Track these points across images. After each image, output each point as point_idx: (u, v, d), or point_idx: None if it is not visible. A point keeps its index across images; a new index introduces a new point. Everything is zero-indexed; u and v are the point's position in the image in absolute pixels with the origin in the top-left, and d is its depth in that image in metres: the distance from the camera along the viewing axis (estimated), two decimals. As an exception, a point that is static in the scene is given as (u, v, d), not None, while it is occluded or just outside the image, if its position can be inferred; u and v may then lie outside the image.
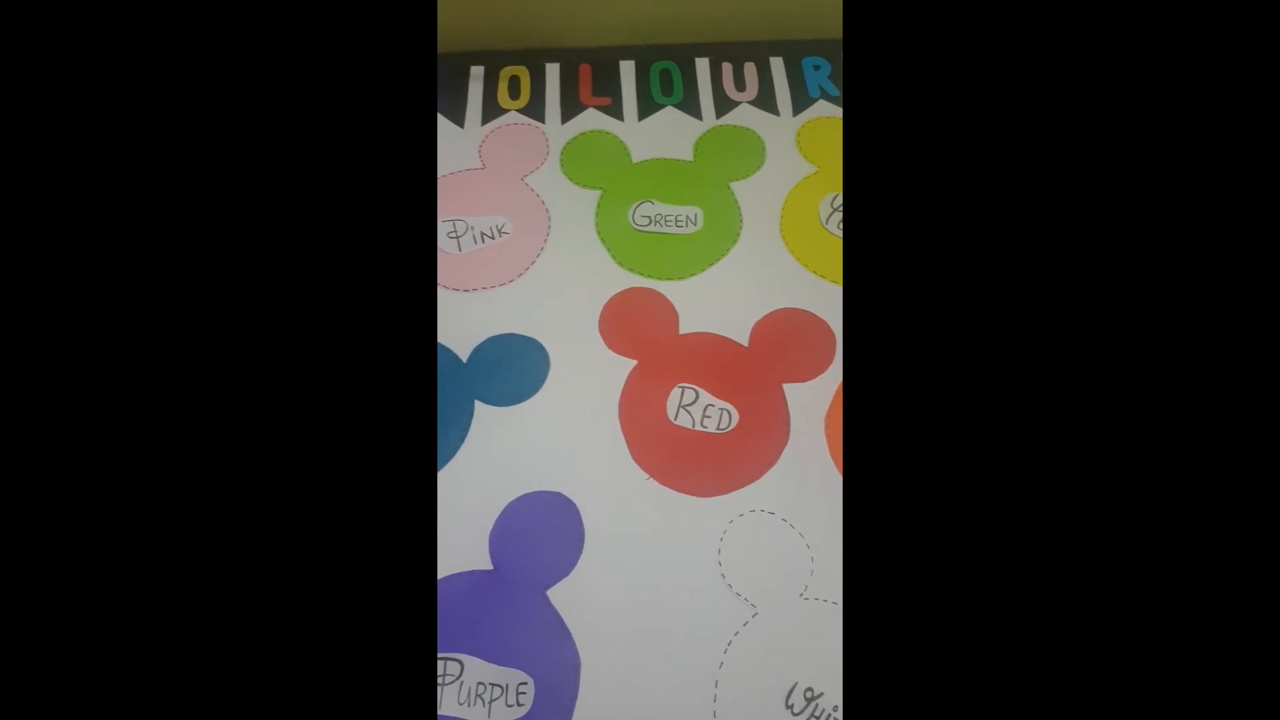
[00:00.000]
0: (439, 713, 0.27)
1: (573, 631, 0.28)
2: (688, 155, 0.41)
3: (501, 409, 0.33)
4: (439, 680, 0.27)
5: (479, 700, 0.27)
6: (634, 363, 0.35)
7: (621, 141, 0.41)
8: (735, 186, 0.40)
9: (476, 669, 0.28)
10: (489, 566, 0.30)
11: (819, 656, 0.28)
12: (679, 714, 0.27)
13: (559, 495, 0.31)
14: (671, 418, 0.33)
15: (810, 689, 0.28)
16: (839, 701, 0.27)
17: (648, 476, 0.32)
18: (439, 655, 0.28)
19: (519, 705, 0.27)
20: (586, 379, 0.34)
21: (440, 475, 0.32)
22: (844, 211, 0.39)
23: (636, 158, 0.41)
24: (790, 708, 0.27)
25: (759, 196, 0.39)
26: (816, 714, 0.27)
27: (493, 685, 0.28)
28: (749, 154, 0.41)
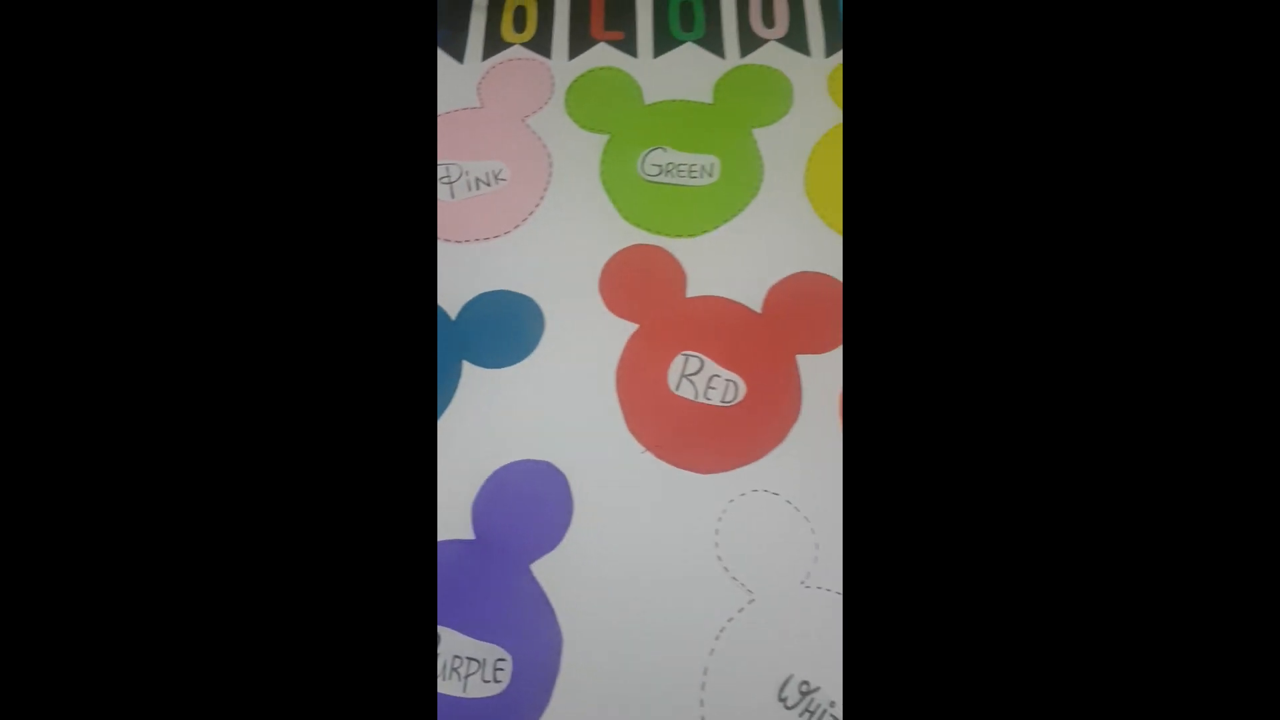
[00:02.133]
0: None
1: (556, 608, 0.28)
2: (707, 97, 0.38)
3: (491, 371, 0.32)
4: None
5: (454, 674, 0.27)
6: (635, 327, 0.33)
7: (634, 80, 0.39)
8: (758, 133, 0.37)
9: (453, 642, 0.27)
10: (470, 536, 0.29)
11: (818, 648, 0.27)
12: (664, 702, 0.26)
13: (547, 465, 0.30)
14: (673, 387, 0.32)
15: (806, 682, 0.27)
16: (836, 697, 0.26)
17: (644, 449, 0.31)
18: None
19: (496, 682, 0.27)
20: (583, 342, 0.33)
21: (425, 438, 0.31)
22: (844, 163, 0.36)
23: (649, 99, 0.38)
24: (783, 700, 0.26)
25: (784, 145, 0.37)
26: (811, 708, 0.26)
27: (469, 659, 0.27)
28: (775, 97, 0.38)
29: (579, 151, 0.37)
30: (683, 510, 0.30)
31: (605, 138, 0.37)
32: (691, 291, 0.34)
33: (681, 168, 0.36)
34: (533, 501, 0.30)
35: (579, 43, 0.40)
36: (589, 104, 0.38)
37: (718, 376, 0.32)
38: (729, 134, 0.37)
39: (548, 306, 0.33)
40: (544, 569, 0.29)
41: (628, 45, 0.40)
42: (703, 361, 0.32)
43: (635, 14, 0.41)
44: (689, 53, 0.40)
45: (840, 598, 0.28)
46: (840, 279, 0.34)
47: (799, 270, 0.34)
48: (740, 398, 0.32)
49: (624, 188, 0.36)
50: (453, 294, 0.34)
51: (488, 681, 0.27)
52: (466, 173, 0.36)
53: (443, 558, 0.29)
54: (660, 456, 0.31)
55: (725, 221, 0.35)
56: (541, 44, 0.40)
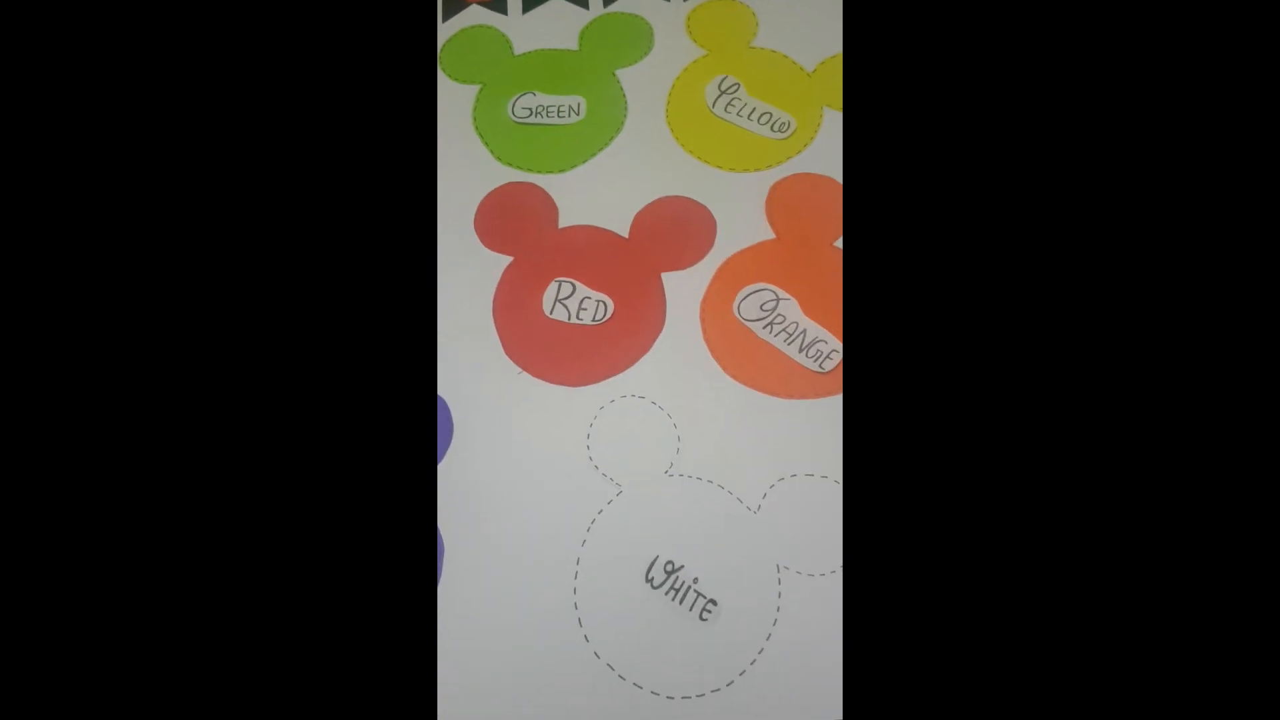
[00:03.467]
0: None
1: (438, 522, 0.30)
2: (573, 44, 0.40)
3: (374, 310, 0.34)
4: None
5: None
6: (510, 259, 0.35)
7: (504, 35, 0.41)
8: (621, 74, 0.39)
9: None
10: (356, 461, 0.31)
11: (681, 531, 0.29)
12: (541, 592, 0.28)
13: (430, 391, 0.32)
14: (548, 312, 0.34)
15: (671, 562, 0.29)
16: (699, 574, 0.28)
17: (520, 370, 0.33)
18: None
19: (382, 589, 0.29)
20: (460, 277, 0.35)
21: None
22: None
23: (519, 49, 0.41)
24: (650, 580, 0.29)
25: (645, 83, 0.39)
26: (676, 585, 0.28)
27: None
28: (636, 40, 0.40)
29: (452, 102, 0.39)
30: (557, 420, 0.32)
31: (477, 88, 0.40)
32: (564, 222, 0.36)
33: (550, 109, 0.38)
34: (415, 425, 0.32)
35: (452, 6, 0.42)
36: (461, 60, 0.40)
37: (588, 298, 0.34)
38: (594, 76, 0.39)
39: (426, 247, 0.35)
40: (426, 484, 0.31)
41: (499, 4, 0.42)
42: (574, 286, 0.35)
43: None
44: (556, 7, 0.42)
45: (701, 482, 0.30)
46: (701, 200, 0.36)
47: (663, 195, 0.36)
48: (609, 315, 0.34)
49: (496, 131, 0.38)
50: (335, 243, 0.36)
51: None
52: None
53: (328, 481, 0.31)
54: (536, 375, 0.33)
55: (593, 155, 0.37)
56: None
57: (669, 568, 0.29)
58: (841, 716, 0.26)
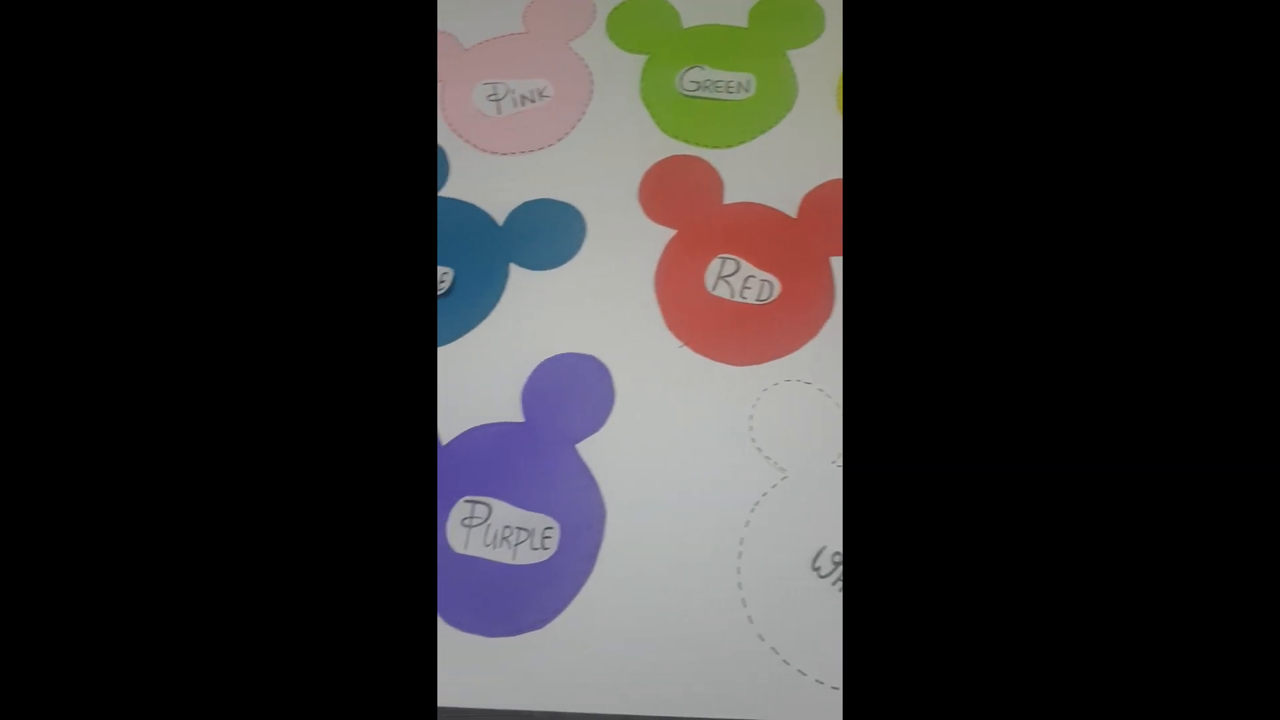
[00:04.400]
0: (466, 552, 0.29)
1: (599, 483, 0.30)
2: (742, 22, 0.40)
3: (536, 273, 0.34)
4: (467, 523, 0.29)
5: (504, 542, 0.29)
6: (674, 232, 0.35)
7: (672, 6, 0.41)
8: (792, 55, 0.39)
9: (504, 513, 0.30)
10: (520, 419, 0.31)
11: (849, 522, 0.29)
12: (703, 567, 0.28)
13: (591, 358, 0.32)
14: (710, 288, 0.34)
15: (839, 553, 0.28)
16: (867, 566, 0.28)
17: (681, 344, 0.33)
18: (468, 499, 0.30)
19: (544, 549, 0.29)
20: (623, 247, 0.35)
21: (474, 334, 0.33)
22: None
23: (687, 23, 0.40)
24: (817, 570, 0.28)
25: (817, 65, 0.38)
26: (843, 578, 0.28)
27: (519, 529, 0.29)
28: (807, 22, 0.39)
29: (620, 70, 0.39)
30: (718, 398, 0.31)
31: (645, 58, 0.39)
32: (729, 198, 0.36)
33: (719, 84, 0.38)
34: (578, 390, 0.32)
35: (618, -27, 0.43)
36: (629, 28, 0.40)
37: (753, 277, 0.34)
38: (764, 54, 0.39)
39: (589, 214, 0.35)
40: (588, 449, 0.31)
41: (665, -25, 0.42)
42: (739, 264, 0.34)
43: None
44: (725, -20, 0.42)
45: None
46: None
47: (835, 177, 0.36)
48: (775, 296, 0.33)
49: (663, 102, 0.38)
50: (499, 203, 0.36)
51: (536, 549, 0.29)
52: (512, 90, 0.38)
53: (493, 437, 0.31)
54: (697, 350, 0.33)
55: (762, 132, 0.37)
56: (582, -25, 0.43)
57: (837, 559, 0.28)
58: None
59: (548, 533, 0.29)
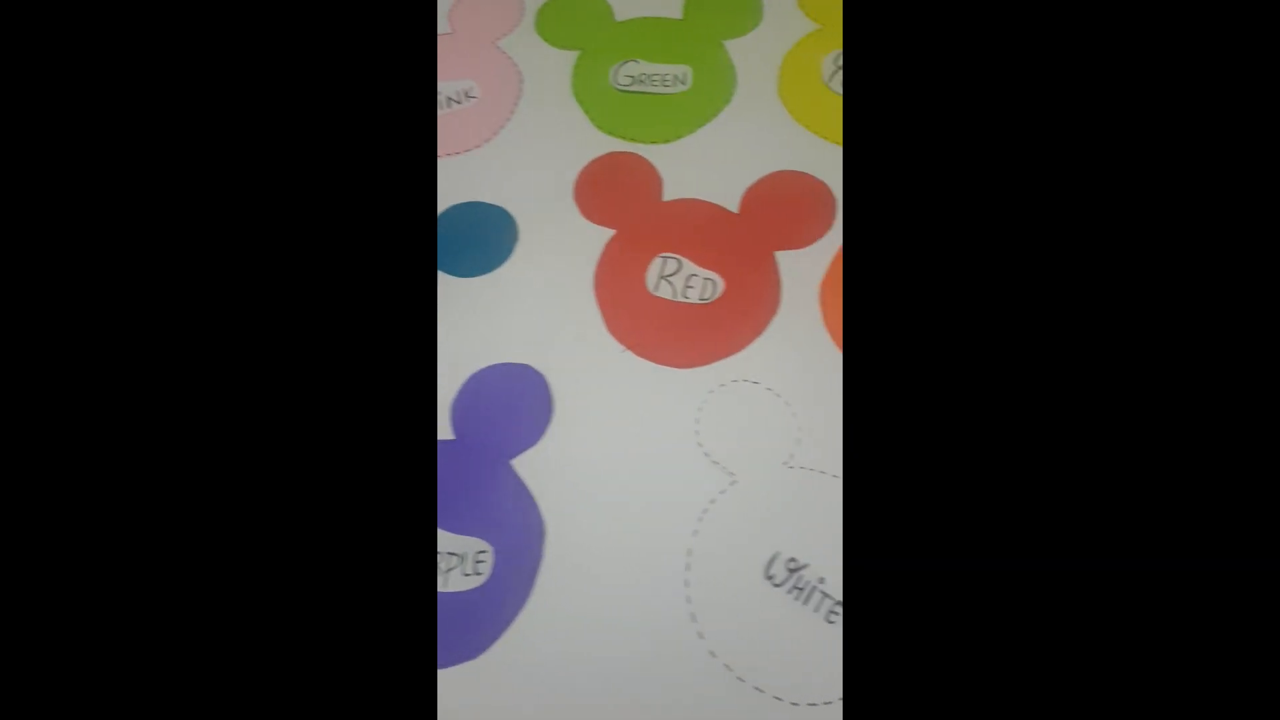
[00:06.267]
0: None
1: (537, 498, 0.28)
2: (677, 13, 0.40)
3: (465, 280, 0.33)
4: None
5: (436, 569, 0.28)
6: (612, 232, 0.34)
7: (604, 0, 0.40)
8: (729, 45, 0.38)
9: (433, 537, 0.28)
10: (450, 437, 0.30)
11: (804, 527, 0.28)
12: (649, 583, 0.27)
13: (525, 368, 0.31)
14: (652, 289, 0.33)
15: (794, 559, 0.27)
16: (826, 573, 0.27)
17: (624, 348, 0.32)
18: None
19: (476, 574, 0.27)
20: (559, 250, 0.34)
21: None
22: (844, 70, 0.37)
23: (620, 16, 0.40)
24: (770, 578, 0.27)
25: (755, 55, 0.38)
26: (800, 585, 0.27)
27: (448, 554, 0.28)
28: (744, 11, 0.39)
29: (550, 67, 0.38)
30: (663, 402, 0.30)
31: (576, 54, 0.39)
32: (669, 195, 0.35)
33: (654, 77, 0.37)
34: (512, 402, 0.31)
35: (548, -30, 0.42)
36: (559, 24, 0.39)
37: (695, 276, 0.33)
38: (701, 45, 0.38)
39: (521, 216, 0.34)
40: (525, 464, 0.29)
41: (597, -31, 0.42)
42: (680, 262, 0.33)
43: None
44: (658, -27, 0.41)
45: (825, 476, 0.28)
46: (819, 176, 0.35)
47: (777, 169, 0.35)
48: (719, 294, 0.32)
49: (596, 99, 0.37)
50: (426, 209, 0.35)
51: (468, 575, 0.28)
52: (437, 93, 0.37)
53: (420, 456, 0.30)
54: (641, 354, 0.32)
55: (700, 126, 0.36)
56: (511, -28, 0.42)
57: (791, 565, 0.27)
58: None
59: (480, 556, 0.28)
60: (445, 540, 0.28)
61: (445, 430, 0.30)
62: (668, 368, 0.31)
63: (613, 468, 0.29)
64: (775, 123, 0.36)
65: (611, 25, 0.40)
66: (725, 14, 0.39)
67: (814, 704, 0.25)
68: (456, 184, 0.35)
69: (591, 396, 0.31)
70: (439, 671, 0.26)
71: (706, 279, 0.33)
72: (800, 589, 0.27)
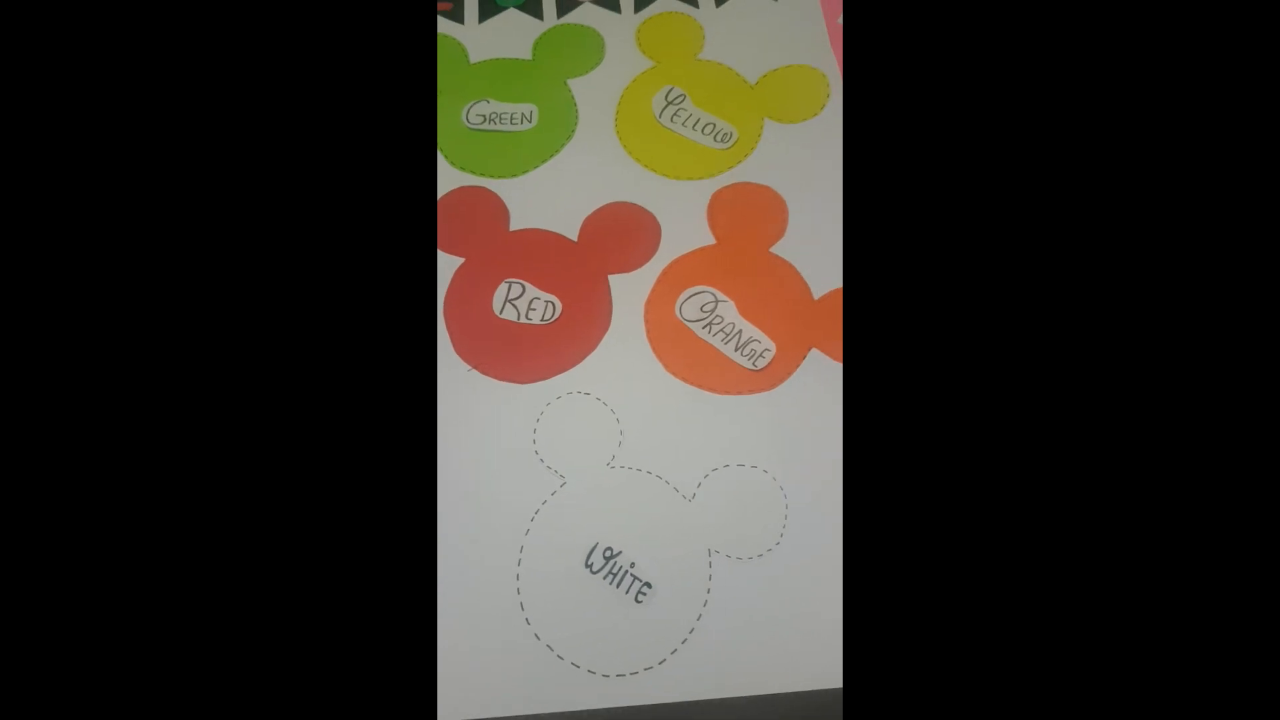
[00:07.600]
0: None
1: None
2: (526, 54, 0.44)
3: (328, 309, 0.36)
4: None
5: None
6: (461, 260, 0.38)
7: (460, 44, 0.44)
8: (572, 83, 0.42)
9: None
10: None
11: (620, 519, 0.32)
12: (485, 580, 0.31)
13: (382, 388, 0.35)
14: (498, 312, 0.37)
15: (610, 548, 0.31)
16: (636, 559, 0.31)
17: (469, 368, 0.35)
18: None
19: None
20: (415, 278, 0.37)
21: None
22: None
23: (475, 58, 0.43)
24: (589, 566, 0.31)
25: (596, 92, 0.42)
26: (614, 570, 0.31)
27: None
28: (588, 51, 0.43)
29: (407, 108, 0.42)
30: (506, 416, 0.34)
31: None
32: (515, 225, 0.39)
33: (503, 116, 0.41)
34: (366, 420, 0.34)
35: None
36: (418, 66, 0.43)
37: (537, 299, 0.37)
38: (546, 84, 0.42)
39: (380, 248, 0.38)
40: (376, 476, 0.33)
41: (455, 14, 0.45)
42: (524, 286, 0.37)
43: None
44: (511, 17, 0.45)
45: (640, 474, 0.33)
46: (646, 207, 0.39)
47: (611, 200, 0.39)
48: (558, 315, 0.36)
49: (451, 138, 0.41)
50: (290, 244, 0.38)
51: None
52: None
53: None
54: (485, 373, 0.35)
55: (544, 161, 0.40)
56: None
57: (608, 553, 0.31)
58: (765, 691, 0.29)
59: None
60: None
61: (305, 449, 0.33)
62: (510, 383, 0.35)
63: (456, 475, 0.33)
64: (611, 157, 0.40)
65: (466, 67, 0.43)
66: (570, 52, 0.43)
67: (621, 675, 0.29)
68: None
69: (440, 415, 0.35)
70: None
71: (547, 301, 0.37)
72: (614, 574, 0.31)
